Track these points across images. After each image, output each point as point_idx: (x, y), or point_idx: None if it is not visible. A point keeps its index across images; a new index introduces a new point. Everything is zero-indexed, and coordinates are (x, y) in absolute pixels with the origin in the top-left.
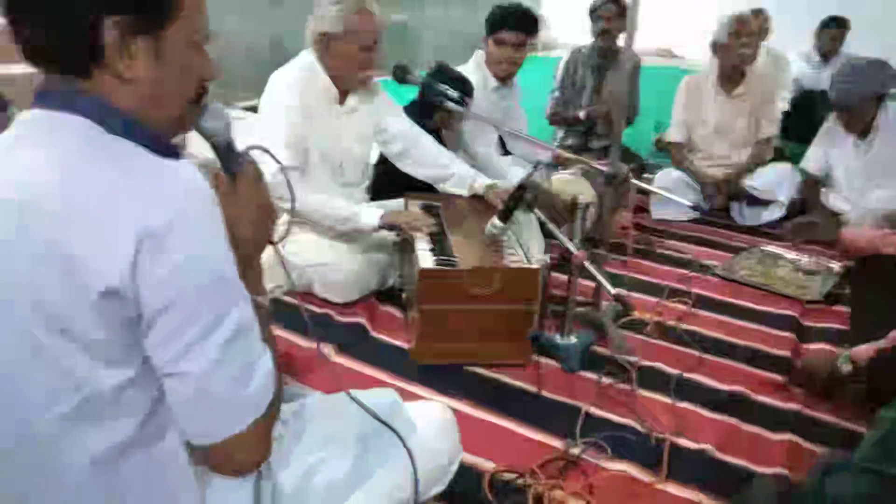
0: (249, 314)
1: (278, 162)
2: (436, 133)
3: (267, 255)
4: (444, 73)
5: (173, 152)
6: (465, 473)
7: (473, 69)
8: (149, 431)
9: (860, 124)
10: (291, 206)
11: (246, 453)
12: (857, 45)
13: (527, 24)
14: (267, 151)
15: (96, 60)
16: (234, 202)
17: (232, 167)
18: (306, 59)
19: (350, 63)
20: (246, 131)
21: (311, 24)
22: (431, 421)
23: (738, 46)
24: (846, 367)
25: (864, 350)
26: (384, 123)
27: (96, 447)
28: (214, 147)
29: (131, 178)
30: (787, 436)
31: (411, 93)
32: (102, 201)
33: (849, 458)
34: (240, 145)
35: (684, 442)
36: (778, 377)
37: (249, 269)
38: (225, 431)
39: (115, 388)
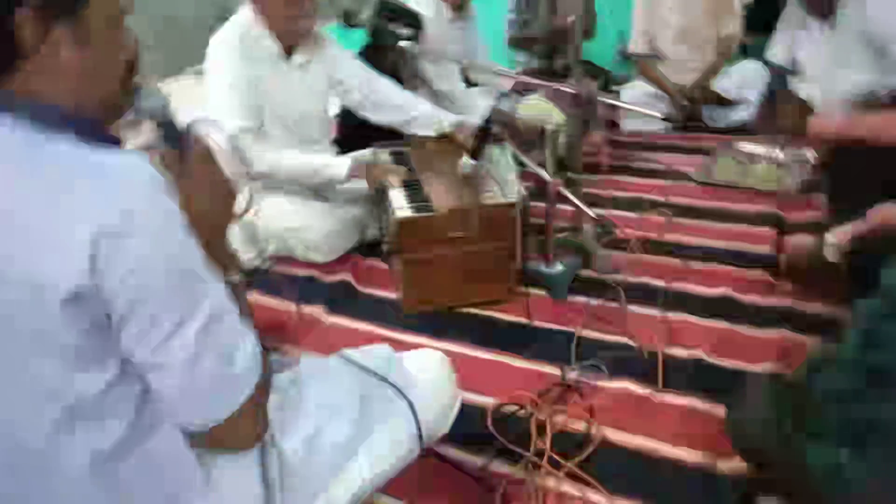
0: (222, 297)
1: (224, 131)
2: (394, 75)
3: (241, 225)
4: (391, 11)
5: (113, 141)
6: (467, 412)
7: (426, 1)
8: (141, 429)
9: (822, 5)
10: (251, 169)
11: (241, 434)
12: None
13: None
14: (214, 122)
15: (17, 56)
16: (187, 182)
17: (178, 145)
18: (244, 16)
19: (283, 15)
20: (196, 98)
21: None
22: (427, 368)
23: None
24: (830, 253)
25: (845, 232)
26: (339, 74)
27: (89, 452)
28: (158, 127)
29: (73, 179)
30: (777, 331)
31: (361, 37)
32: (46, 210)
33: (835, 350)
34: (186, 119)
35: (678, 351)
36: (764, 274)
37: (215, 248)
38: (216, 416)
39: (96, 393)
